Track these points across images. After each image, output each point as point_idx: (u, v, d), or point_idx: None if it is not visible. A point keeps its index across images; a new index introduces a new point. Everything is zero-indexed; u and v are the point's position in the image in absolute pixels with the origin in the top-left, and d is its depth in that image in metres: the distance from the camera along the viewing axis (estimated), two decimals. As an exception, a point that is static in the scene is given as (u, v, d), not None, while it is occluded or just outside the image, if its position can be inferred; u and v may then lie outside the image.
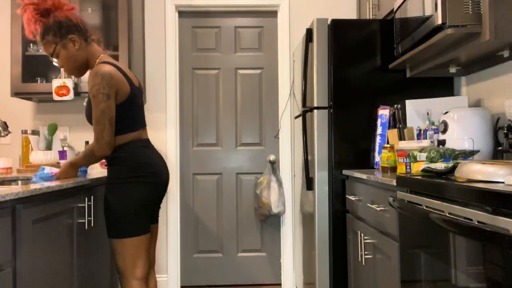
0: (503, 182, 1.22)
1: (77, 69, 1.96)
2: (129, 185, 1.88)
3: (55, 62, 1.93)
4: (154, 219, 2.12)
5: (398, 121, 2.35)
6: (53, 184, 1.68)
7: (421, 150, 1.72)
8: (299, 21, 3.40)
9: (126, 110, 1.90)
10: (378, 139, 2.46)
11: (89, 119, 1.96)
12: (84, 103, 2.08)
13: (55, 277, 1.72)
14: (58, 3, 1.88)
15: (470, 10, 1.75)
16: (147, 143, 2.00)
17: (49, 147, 2.97)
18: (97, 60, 1.94)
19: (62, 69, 2.95)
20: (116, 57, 2.92)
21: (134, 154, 1.92)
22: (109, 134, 1.84)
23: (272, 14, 3.49)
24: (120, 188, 1.88)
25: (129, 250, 1.89)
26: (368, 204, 2.04)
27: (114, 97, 1.84)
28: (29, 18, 1.85)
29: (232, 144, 3.47)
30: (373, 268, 2.06)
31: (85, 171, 2.23)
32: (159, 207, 2.14)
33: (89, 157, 1.90)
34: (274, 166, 3.38)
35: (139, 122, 1.97)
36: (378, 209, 1.92)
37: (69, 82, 2.89)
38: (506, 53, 1.89)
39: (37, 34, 1.88)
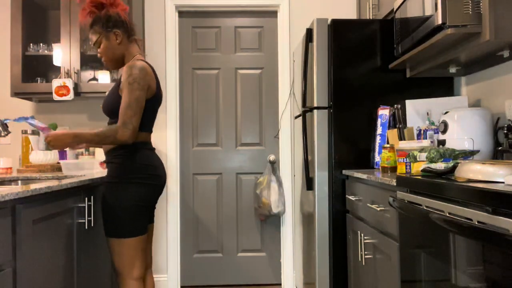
0: (503, 182, 1.22)
1: (114, 61, 2.04)
2: (131, 185, 1.89)
3: (96, 49, 2.05)
4: (151, 218, 2.15)
5: (398, 121, 2.35)
6: (53, 184, 1.68)
7: (421, 150, 1.72)
8: (299, 21, 3.40)
9: (147, 109, 1.97)
10: (378, 139, 2.46)
11: (108, 109, 1.97)
12: (106, 94, 2.13)
13: (55, 277, 1.72)
14: (114, 1, 2.02)
15: (470, 10, 1.75)
16: (150, 146, 2.04)
17: (49, 147, 2.97)
18: (133, 59, 2.02)
19: (62, 69, 2.96)
20: (116, 57, 2.92)
21: (138, 155, 1.94)
22: (137, 122, 1.86)
23: (272, 14, 3.49)
24: (122, 188, 1.89)
25: (127, 250, 1.90)
26: (368, 204, 2.04)
27: (146, 92, 1.92)
28: (84, 9, 1.99)
29: (232, 144, 3.47)
30: (373, 268, 2.06)
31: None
32: (155, 207, 2.16)
33: (104, 137, 1.84)
34: (274, 166, 3.38)
35: (149, 126, 2.02)
36: (378, 209, 1.92)
37: (69, 82, 2.89)
38: (506, 53, 1.89)
39: (87, 23, 2.01)
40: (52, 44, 3.04)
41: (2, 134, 2.31)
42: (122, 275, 1.93)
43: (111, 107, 1.96)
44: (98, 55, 2.05)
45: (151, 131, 2.05)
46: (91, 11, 1.99)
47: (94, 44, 2.02)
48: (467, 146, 1.94)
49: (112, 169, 1.93)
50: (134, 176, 1.91)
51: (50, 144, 1.92)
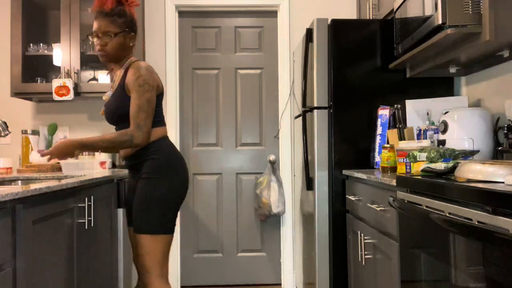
0: (503, 182, 1.22)
1: (114, 58, 1.98)
2: (171, 180, 1.90)
3: (96, 39, 1.93)
4: None
5: (398, 121, 2.35)
6: (53, 184, 1.68)
7: (421, 150, 1.72)
8: (299, 21, 3.40)
9: (157, 104, 1.97)
10: (378, 139, 2.46)
11: (116, 114, 1.93)
12: (105, 97, 2.04)
13: (55, 277, 1.73)
14: (130, 1, 1.99)
15: (470, 10, 1.75)
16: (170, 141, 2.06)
17: (49, 147, 2.97)
18: (129, 61, 2.00)
19: (62, 69, 2.95)
20: (116, 57, 2.92)
21: (170, 149, 1.96)
22: (150, 124, 1.88)
23: (272, 14, 3.49)
24: (163, 183, 1.89)
25: (161, 247, 1.89)
26: (368, 204, 2.04)
27: (156, 91, 1.93)
28: None
29: (232, 144, 3.47)
30: (373, 268, 2.06)
31: None
32: None
33: (118, 143, 1.83)
34: (274, 166, 3.38)
35: (163, 120, 2.04)
36: (378, 209, 1.92)
37: (69, 82, 2.89)
38: (506, 53, 1.89)
39: (106, 7, 1.91)
40: (52, 44, 3.04)
41: (2, 134, 2.31)
42: (153, 274, 1.90)
43: (120, 111, 1.92)
44: (100, 46, 1.92)
45: (165, 124, 2.04)
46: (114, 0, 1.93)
47: (105, 34, 1.91)
48: (467, 146, 1.94)
49: (149, 165, 1.91)
50: (173, 171, 1.92)
51: (54, 157, 1.86)
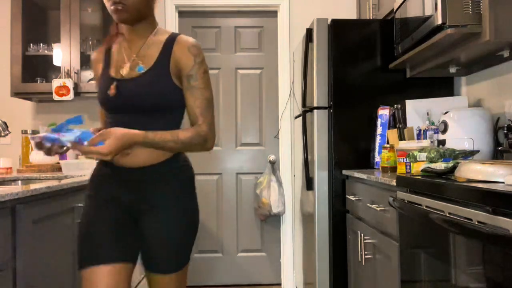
0: (503, 182, 1.22)
1: (136, 17, 1.39)
2: (195, 201, 1.50)
3: None
4: None
5: (398, 121, 2.35)
6: (53, 184, 1.68)
7: (421, 150, 1.72)
8: (299, 21, 3.40)
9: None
10: (378, 139, 2.46)
11: (152, 102, 1.38)
12: (125, 72, 1.41)
13: (55, 277, 1.73)
14: None
15: (470, 10, 1.75)
16: None
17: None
18: (156, 30, 1.47)
19: (62, 69, 2.95)
20: (116, 57, 2.92)
21: (189, 161, 1.54)
22: None
23: (272, 14, 3.49)
24: (191, 205, 1.48)
25: (185, 282, 1.51)
26: (368, 204, 2.04)
27: None
28: None
29: (232, 144, 3.47)
30: (373, 268, 2.06)
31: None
32: None
33: (190, 146, 1.38)
34: (274, 166, 3.38)
35: None
36: (378, 209, 1.92)
37: (69, 82, 2.89)
38: (506, 53, 1.89)
39: None
40: (52, 44, 3.04)
41: (2, 134, 2.31)
42: None
43: (164, 98, 1.39)
44: None
45: None
46: None
47: None
48: (467, 146, 1.94)
49: (182, 179, 1.47)
50: (193, 189, 1.51)
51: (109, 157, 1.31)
